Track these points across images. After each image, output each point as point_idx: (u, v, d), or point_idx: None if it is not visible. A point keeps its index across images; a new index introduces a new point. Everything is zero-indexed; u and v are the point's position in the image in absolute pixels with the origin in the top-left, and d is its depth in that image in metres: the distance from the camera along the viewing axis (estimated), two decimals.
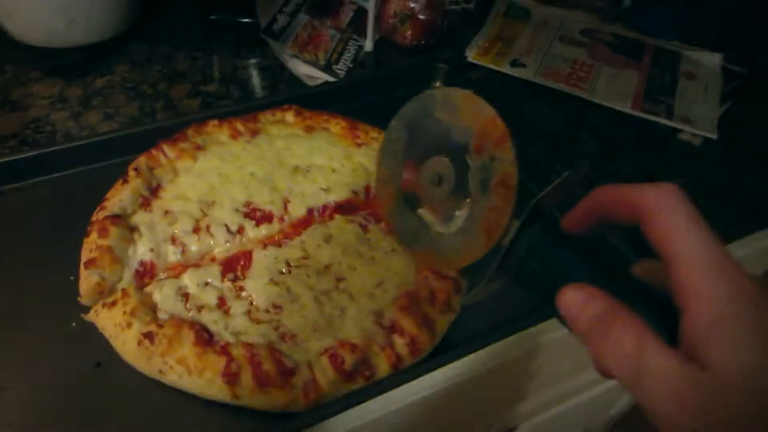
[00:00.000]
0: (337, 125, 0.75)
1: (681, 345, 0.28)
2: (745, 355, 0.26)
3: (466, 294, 0.37)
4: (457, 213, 0.42)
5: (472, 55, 0.97)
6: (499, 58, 0.97)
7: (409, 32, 0.94)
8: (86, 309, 0.59)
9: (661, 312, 0.30)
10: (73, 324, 0.58)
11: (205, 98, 0.86)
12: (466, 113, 0.42)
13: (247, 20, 0.97)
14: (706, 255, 0.28)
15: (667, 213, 0.30)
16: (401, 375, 0.55)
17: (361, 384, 0.54)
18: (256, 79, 0.90)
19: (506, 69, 0.95)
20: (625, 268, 0.33)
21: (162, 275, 0.61)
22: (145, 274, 0.60)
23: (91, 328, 0.58)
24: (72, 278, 0.62)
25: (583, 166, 0.34)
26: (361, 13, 1.00)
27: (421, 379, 0.56)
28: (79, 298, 0.59)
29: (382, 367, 0.55)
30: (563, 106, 0.92)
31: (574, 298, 0.31)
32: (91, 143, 0.73)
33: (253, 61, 0.93)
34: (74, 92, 0.85)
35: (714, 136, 0.88)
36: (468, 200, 0.41)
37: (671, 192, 0.31)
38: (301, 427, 0.51)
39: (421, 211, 0.45)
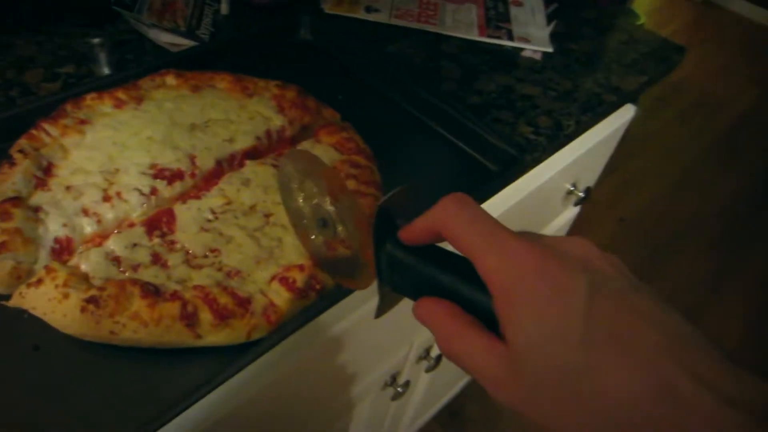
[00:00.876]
0: (222, 80, 0.75)
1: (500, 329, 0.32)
2: (527, 330, 0.29)
3: (376, 316, 0.46)
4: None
5: (328, 7, 1.00)
6: (354, 6, 1.02)
7: None
8: (1, 297, 0.55)
9: (484, 305, 0.34)
10: None
11: (66, 79, 0.81)
12: (315, 171, 0.55)
13: None
14: (490, 246, 0.31)
15: (451, 222, 0.33)
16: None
17: (314, 298, 0.57)
18: (117, 54, 0.86)
19: (362, 15, 1.00)
20: (460, 268, 0.37)
21: (81, 248, 0.58)
22: (63, 250, 0.58)
23: (14, 314, 0.54)
24: None
25: (414, 183, 0.41)
26: None
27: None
28: None
29: (328, 278, 0.58)
30: (420, 41, 0.99)
31: (421, 311, 0.36)
32: None
33: (106, 36, 0.89)
34: None
35: (550, 50, 1.00)
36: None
37: (449, 202, 0.34)
38: (271, 345, 0.53)
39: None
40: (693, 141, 2.74)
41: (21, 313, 0.54)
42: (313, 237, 0.57)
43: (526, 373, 0.29)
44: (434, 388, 1.32)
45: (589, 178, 1.23)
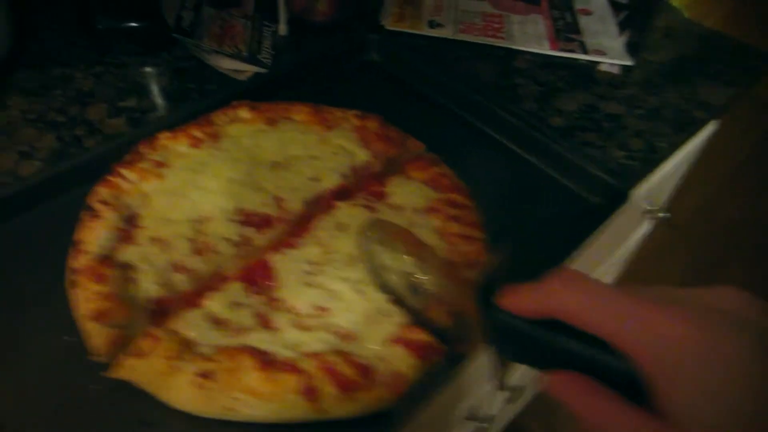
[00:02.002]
0: (300, 113, 0.71)
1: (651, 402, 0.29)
2: (693, 408, 0.27)
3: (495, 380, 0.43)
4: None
5: (389, 23, 0.95)
6: (416, 21, 0.97)
7: (325, 7, 0.90)
8: (98, 367, 0.50)
9: (623, 377, 0.31)
10: (92, 387, 0.50)
11: (130, 114, 0.76)
12: (389, 237, 0.54)
13: (134, 24, 0.87)
14: (625, 323, 0.29)
15: (570, 303, 0.31)
16: None
17: (437, 360, 0.52)
18: (177, 83, 0.81)
19: (426, 31, 0.95)
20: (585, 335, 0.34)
21: (176, 309, 0.54)
22: (158, 312, 0.53)
23: (116, 385, 0.50)
24: (66, 338, 0.53)
25: (505, 246, 0.39)
26: None
27: None
28: (91, 357, 0.50)
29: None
30: (490, 57, 0.94)
31: (558, 388, 0.33)
32: (31, 185, 0.62)
33: (163, 65, 0.84)
34: None
35: (630, 63, 0.95)
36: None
37: (560, 283, 0.32)
38: (403, 419, 0.48)
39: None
40: (743, 140, 2.64)
41: (121, 384, 0.50)
42: (409, 301, 0.53)
43: None
44: (502, 412, 1.28)
45: (664, 195, 1.18)
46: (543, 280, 0.33)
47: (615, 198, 0.70)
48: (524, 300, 0.34)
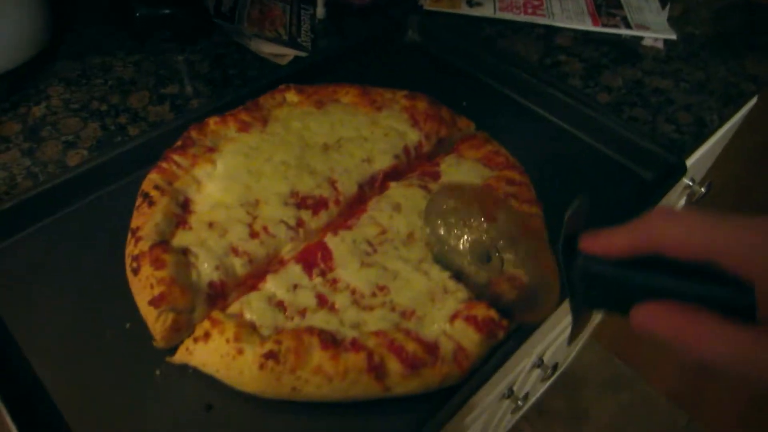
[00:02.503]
0: (347, 94, 0.70)
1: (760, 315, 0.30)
2: None
3: (570, 340, 0.42)
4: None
5: (427, 3, 0.94)
6: (454, 1, 0.95)
7: None
8: (161, 353, 0.50)
9: (724, 294, 0.31)
10: (157, 372, 0.50)
11: (173, 101, 0.76)
12: (462, 203, 0.53)
13: (173, 11, 0.86)
14: (731, 238, 0.30)
15: (672, 232, 0.32)
16: None
17: (502, 337, 0.51)
18: (218, 69, 0.81)
19: (465, 10, 0.94)
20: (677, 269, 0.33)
21: (235, 292, 0.54)
22: (218, 296, 0.53)
23: (177, 370, 0.50)
24: (128, 325, 0.53)
25: (583, 198, 0.38)
26: None
27: None
28: (154, 343, 0.50)
29: None
30: (531, 35, 0.92)
31: (646, 318, 0.33)
32: (80, 174, 0.62)
33: (203, 52, 0.84)
34: (11, 128, 0.72)
35: (674, 37, 0.92)
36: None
37: (660, 215, 0.33)
38: (470, 394, 0.47)
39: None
40: None
41: (185, 368, 0.50)
42: (474, 276, 0.52)
43: None
44: (534, 390, 1.27)
45: (702, 171, 1.16)
46: (640, 218, 0.33)
47: (671, 171, 0.68)
48: (619, 240, 0.34)
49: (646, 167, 0.71)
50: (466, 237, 0.52)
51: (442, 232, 0.53)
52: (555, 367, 1.03)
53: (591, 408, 1.60)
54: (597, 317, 1.12)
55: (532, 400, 1.25)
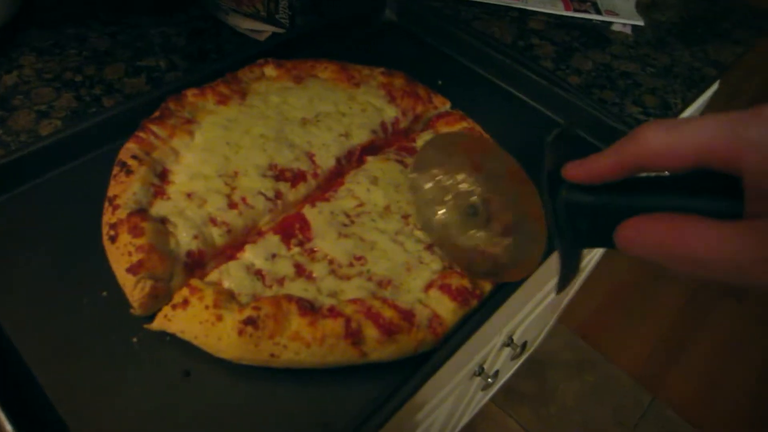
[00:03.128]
0: (325, 70, 0.70)
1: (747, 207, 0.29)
2: None
3: (559, 287, 0.42)
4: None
5: None
6: None
7: None
8: (139, 320, 0.51)
9: (711, 202, 0.31)
10: (135, 340, 0.50)
11: (149, 74, 0.76)
12: (447, 156, 0.52)
13: None
14: (717, 135, 0.29)
15: (659, 143, 0.31)
16: (505, 287, 0.55)
17: (475, 305, 0.52)
18: (195, 43, 0.80)
19: None
20: (650, 180, 0.33)
21: (212, 262, 0.54)
22: (195, 264, 0.53)
23: (155, 337, 0.50)
24: (105, 293, 0.53)
25: (567, 124, 0.37)
26: None
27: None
28: (132, 310, 0.50)
29: (486, 283, 0.54)
30: (506, 17, 0.93)
31: (632, 232, 0.32)
32: (54, 143, 0.62)
33: (181, 25, 0.83)
34: None
35: (641, 23, 0.95)
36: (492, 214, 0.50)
37: (646, 128, 0.32)
38: (443, 360, 0.49)
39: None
40: (730, 105, 2.66)
41: (162, 336, 0.50)
42: (463, 238, 0.53)
43: None
44: (503, 370, 1.30)
45: None
46: (625, 137, 0.32)
47: None
48: (606, 161, 0.33)
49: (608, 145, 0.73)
50: (451, 194, 0.52)
51: (427, 190, 0.53)
52: (524, 346, 1.06)
53: (557, 389, 1.64)
54: (585, 267, 1.15)
55: (502, 380, 1.28)
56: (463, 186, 0.52)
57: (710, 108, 1.10)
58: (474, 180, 0.52)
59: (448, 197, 0.54)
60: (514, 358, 1.07)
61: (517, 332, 1.06)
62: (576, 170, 0.34)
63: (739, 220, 0.28)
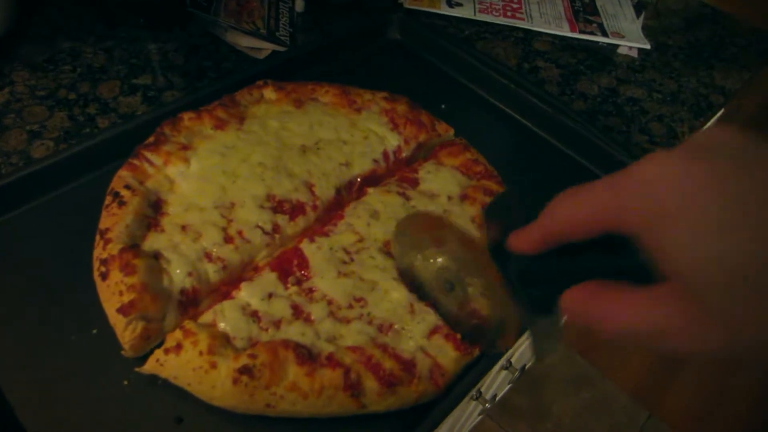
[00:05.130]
0: (326, 93, 0.68)
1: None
2: (683, 243, 0.25)
3: (536, 355, 0.42)
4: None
5: (407, 1, 0.92)
6: (434, 0, 0.94)
7: None
8: (130, 361, 0.49)
9: (620, 262, 0.30)
10: (125, 383, 0.49)
11: (145, 92, 0.74)
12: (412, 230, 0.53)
13: None
14: (615, 201, 0.28)
15: (574, 216, 0.30)
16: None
17: (477, 354, 0.51)
18: (193, 60, 0.78)
19: (445, 10, 0.93)
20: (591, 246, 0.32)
21: (207, 299, 0.52)
22: (189, 303, 0.51)
23: (148, 380, 0.48)
24: (95, 331, 0.51)
25: (505, 193, 0.36)
26: None
27: None
28: (122, 352, 0.48)
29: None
30: (510, 38, 0.92)
31: (566, 303, 0.31)
32: (46, 167, 0.60)
33: (178, 41, 0.81)
34: None
35: (647, 47, 0.93)
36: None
37: (558, 203, 0.31)
38: (444, 414, 0.47)
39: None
40: None
41: (154, 378, 0.48)
42: (444, 304, 0.52)
43: (706, 291, 0.24)
44: (500, 391, 1.28)
45: None
46: (544, 210, 0.32)
47: None
48: (533, 233, 0.33)
49: None
50: (429, 267, 0.52)
51: (409, 263, 0.53)
52: (523, 369, 1.04)
53: (554, 405, 1.63)
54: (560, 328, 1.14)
55: (499, 395, 1.27)
56: (436, 263, 0.51)
57: None
58: (443, 257, 0.51)
59: (428, 272, 0.53)
60: (512, 381, 1.05)
61: (515, 355, 1.04)
62: (516, 241, 0.34)
63: (650, 288, 0.27)
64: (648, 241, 0.26)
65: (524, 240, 0.33)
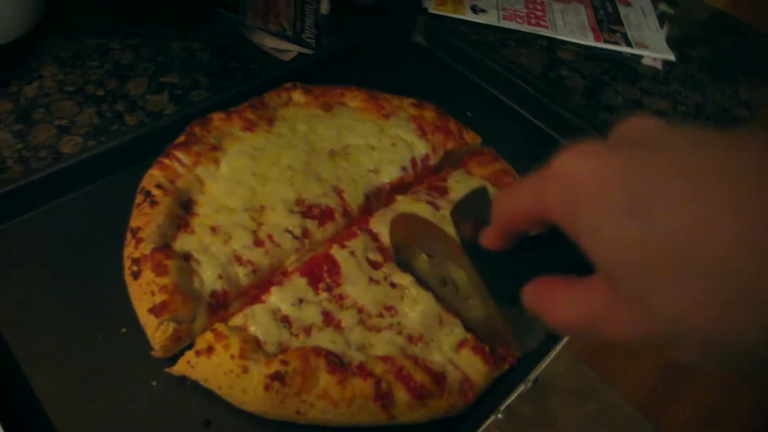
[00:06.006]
0: (355, 98, 0.68)
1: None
2: (593, 229, 0.26)
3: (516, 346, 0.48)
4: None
5: (432, 6, 0.92)
6: (458, 6, 0.94)
7: None
8: (159, 361, 0.49)
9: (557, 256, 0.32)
10: (154, 383, 0.49)
11: (172, 91, 0.74)
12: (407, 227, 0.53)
13: None
14: (538, 195, 0.29)
15: (513, 209, 0.31)
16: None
17: (506, 368, 0.51)
18: (219, 60, 0.78)
19: (469, 16, 0.93)
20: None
21: (236, 302, 0.52)
22: (219, 305, 0.51)
23: (177, 382, 0.48)
24: (124, 330, 0.51)
25: (475, 192, 0.38)
26: None
27: None
28: (152, 352, 0.48)
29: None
30: (534, 46, 0.91)
31: (524, 298, 0.32)
32: (77, 162, 0.60)
33: (205, 40, 0.81)
34: (1, 107, 0.69)
35: (672, 58, 0.93)
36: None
37: (498, 198, 0.33)
38: (473, 427, 0.47)
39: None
40: None
41: (183, 380, 0.48)
42: (442, 297, 0.53)
43: (619, 276, 0.25)
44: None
45: None
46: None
47: None
48: (491, 230, 0.34)
49: None
50: (423, 262, 0.52)
51: (406, 258, 0.54)
52: (536, 381, 1.04)
53: (558, 414, 1.62)
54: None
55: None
56: (436, 260, 0.51)
57: None
58: (444, 257, 0.50)
59: (422, 271, 0.53)
60: (525, 393, 1.05)
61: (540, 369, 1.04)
62: (483, 238, 0.35)
63: (588, 278, 0.28)
64: (569, 228, 0.27)
65: (487, 236, 0.35)
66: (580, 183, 0.26)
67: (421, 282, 0.53)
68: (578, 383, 1.66)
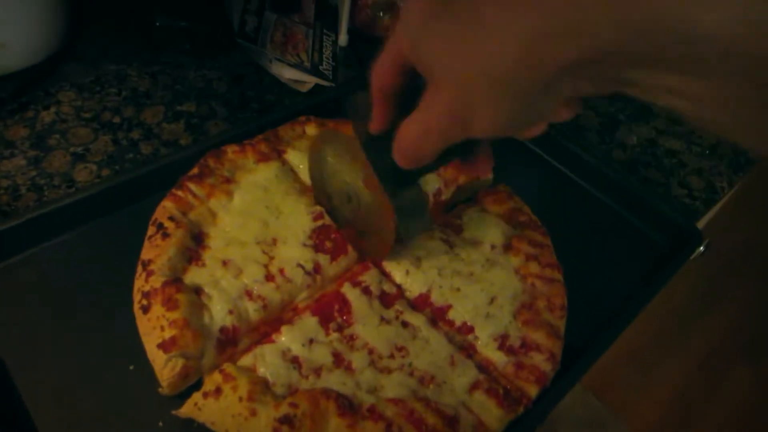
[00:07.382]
0: None
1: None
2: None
3: (407, 235, 0.55)
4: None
5: None
6: None
7: (389, 22, 0.88)
8: (165, 401, 0.48)
9: None
10: (160, 424, 0.48)
11: (188, 119, 0.74)
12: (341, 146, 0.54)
13: (196, 24, 0.84)
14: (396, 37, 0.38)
15: (380, 69, 0.40)
16: (551, 392, 0.52)
17: (521, 411, 0.50)
18: (236, 90, 0.79)
19: None
20: None
21: (245, 339, 0.52)
22: (228, 342, 0.51)
23: (183, 424, 0.48)
24: (132, 367, 0.50)
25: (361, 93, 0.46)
26: (324, 5, 0.92)
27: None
28: (159, 390, 0.48)
29: (531, 388, 0.51)
30: None
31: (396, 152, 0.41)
32: (92, 194, 0.59)
33: (222, 69, 0.82)
34: (18, 132, 0.69)
35: None
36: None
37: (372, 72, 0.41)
38: None
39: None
40: None
41: (189, 421, 0.47)
42: (342, 212, 0.58)
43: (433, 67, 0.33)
44: None
45: None
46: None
47: (685, 238, 0.67)
48: (375, 107, 0.43)
49: (658, 230, 0.71)
50: (335, 179, 0.56)
51: (324, 170, 0.57)
52: None
53: (563, 409, 1.60)
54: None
55: None
56: (349, 176, 0.54)
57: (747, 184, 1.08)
58: (357, 175, 0.53)
59: (332, 184, 0.58)
60: None
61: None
62: (373, 124, 0.44)
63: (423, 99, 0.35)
64: (415, 61, 0.34)
65: (375, 118, 0.43)
66: (410, 13, 0.33)
67: (329, 201, 0.58)
68: (587, 415, 1.64)
